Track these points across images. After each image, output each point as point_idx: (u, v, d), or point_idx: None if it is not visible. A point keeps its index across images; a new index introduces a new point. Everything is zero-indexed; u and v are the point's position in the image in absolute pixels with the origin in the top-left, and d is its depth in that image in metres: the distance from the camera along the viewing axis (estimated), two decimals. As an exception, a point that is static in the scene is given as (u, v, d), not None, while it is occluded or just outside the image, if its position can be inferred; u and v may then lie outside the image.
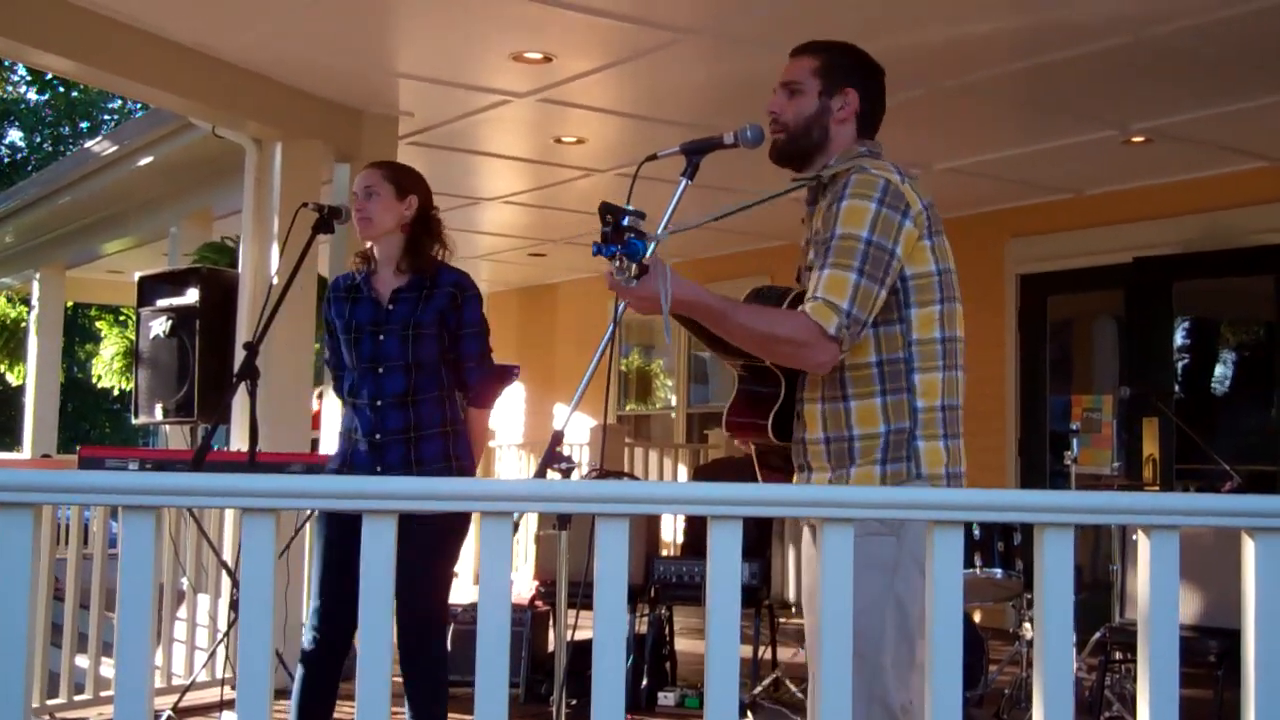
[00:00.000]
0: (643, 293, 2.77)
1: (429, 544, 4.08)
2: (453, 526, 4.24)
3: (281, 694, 4.20)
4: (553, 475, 2.75)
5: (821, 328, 2.79)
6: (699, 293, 2.86)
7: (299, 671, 4.20)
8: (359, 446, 4.24)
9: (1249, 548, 2.17)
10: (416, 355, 4.21)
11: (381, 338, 4.22)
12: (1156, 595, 2.15)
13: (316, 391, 7.85)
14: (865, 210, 2.85)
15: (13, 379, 16.03)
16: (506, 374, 4.61)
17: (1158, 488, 7.92)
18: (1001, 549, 5.84)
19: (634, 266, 2.74)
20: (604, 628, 2.05)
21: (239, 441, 6.84)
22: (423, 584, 4.09)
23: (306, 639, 4.19)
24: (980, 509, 2.22)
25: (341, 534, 4.15)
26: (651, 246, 2.76)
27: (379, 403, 4.20)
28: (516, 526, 2.39)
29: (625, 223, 2.72)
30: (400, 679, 4.09)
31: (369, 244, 4.32)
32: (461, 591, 10.71)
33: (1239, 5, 5.36)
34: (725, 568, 2.08)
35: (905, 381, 2.88)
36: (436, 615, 4.25)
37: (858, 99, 3.05)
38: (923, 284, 2.91)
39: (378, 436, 4.20)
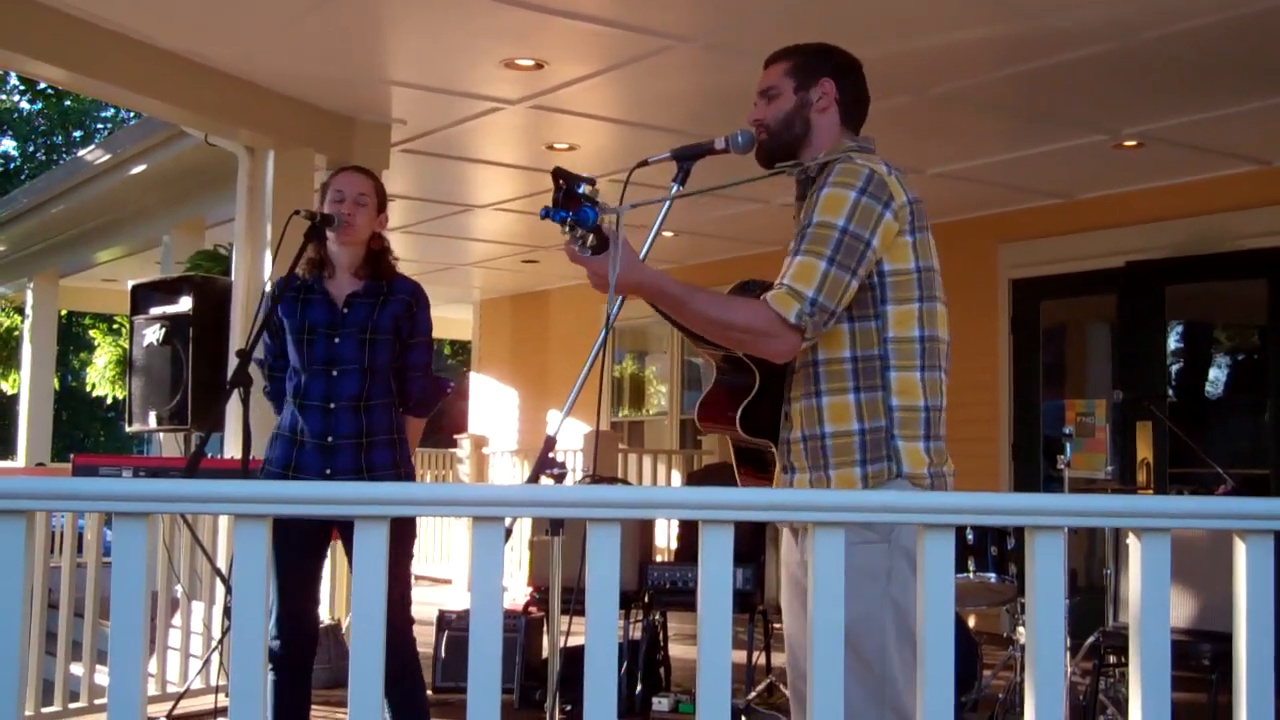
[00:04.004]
0: (596, 268, 2.76)
1: (394, 546, 4.10)
2: (408, 526, 4.31)
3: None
4: (545, 481, 2.75)
5: (781, 316, 2.76)
6: (655, 277, 2.83)
7: (270, 677, 4.21)
8: (305, 449, 4.24)
9: (1240, 550, 2.18)
10: (372, 359, 4.24)
11: (337, 340, 4.24)
12: (1148, 598, 2.16)
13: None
14: (844, 198, 2.82)
15: (7, 388, 16.03)
16: (443, 386, 4.64)
17: (1151, 492, 7.93)
18: (995, 553, 5.83)
19: (590, 237, 2.72)
20: (595, 631, 2.05)
21: (233, 449, 6.84)
22: (391, 584, 4.12)
23: (273, 643, 4.21)
24: (971, 512, 2.22)
25: (298, 541, 4.21)
26: (615, 219, 2.75)
27: (332, 405, 4.22)
28: (510, 532, 2.40)
29: (580, 190, 2.70)
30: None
31: (328, 249, 4.33)
32: (455, 598, 10.72)
33: (1226, 10, 5.38)
34: (717, 572, 2.08)
35: (880, 379, 2.84)
36: (407, 614, 4.28)
37: (835, 88, 3.04)
38: (901, 280, 2.86)
39: (329, 439, 4.21)
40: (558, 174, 2.71)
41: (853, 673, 2.40)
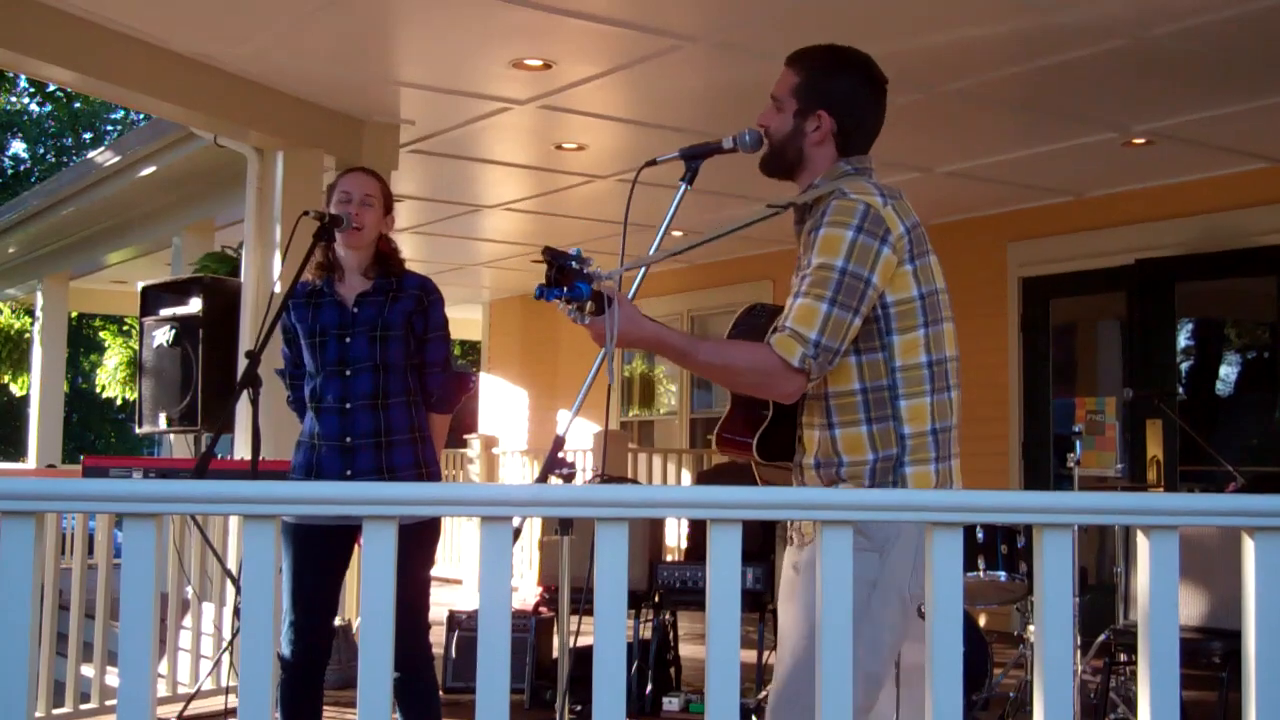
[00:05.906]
0: (596, 328, 2.79)
1: (411, 548, 4.09)
2: (430, 531, 4.29)
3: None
4: (554, 481, 2.76)
5: (784, 361, 2.78)
6: (656, 331, 2.88)
7: (281, 680, 4.20)
8: (322, 452, 4.24)
9: (1249, 547, 2.17)
10: (385, 357, 4.23)
11: (348, 340, 4.23)
12: (1156, 596, 2.15)
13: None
14: (841, 238, 2.81)
15: (17, 390, 16.06)
16: (466, 380, 4.63)
17: (1162, 489, 7.91)
18: (1005, 552, 5.82)
19: (589, 304, 2.76)
20: (604, 630, 2.05)
21: (242, 450, 6.85)
22: (408, 588, 4.11)
23: (285, 649, 4.19)
24: (981, 510, 2.22)
25: (318, 551, 4.20)
26: (612, 280, 2.78)
27: (347, 405, 4.21)
28: (519, 533, 2.40)
29: (571, 265, 2.73)
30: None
31: (336, 252, 4.33)
32: (465, 598, 10.72)
33: (1237, 6, 5.37)
34: (725, 571, 2.08)
35: (891, 409, 2.85)
36: (424, 618, 4.28)
37: (831, 122, 2.98)
38: (904, 310, 2.87)
39: (348, 439, 4.21)
40: (547, 253, 2.74)
41: (810, 671, 2.37)
